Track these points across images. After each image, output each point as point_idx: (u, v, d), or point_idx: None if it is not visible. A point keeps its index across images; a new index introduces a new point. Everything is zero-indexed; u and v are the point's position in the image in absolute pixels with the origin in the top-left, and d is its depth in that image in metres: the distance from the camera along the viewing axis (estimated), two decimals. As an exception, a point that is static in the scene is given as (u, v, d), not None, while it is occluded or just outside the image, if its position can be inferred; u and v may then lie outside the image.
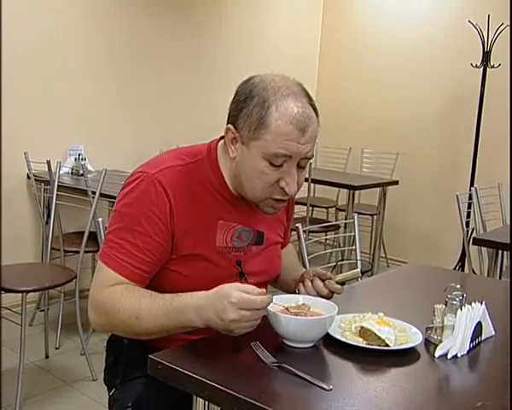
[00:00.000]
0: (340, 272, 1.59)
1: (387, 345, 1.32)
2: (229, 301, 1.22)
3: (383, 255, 5.38)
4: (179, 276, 1.43)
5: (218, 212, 1.46)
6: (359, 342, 1.33)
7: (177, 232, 1.41)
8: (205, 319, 1.26)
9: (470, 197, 3.91)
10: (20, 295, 2.74)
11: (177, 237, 1.41)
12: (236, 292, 1.23)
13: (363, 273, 1.59)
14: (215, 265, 1.45)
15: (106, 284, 1.37)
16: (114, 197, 3.51)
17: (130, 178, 1.45)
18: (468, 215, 3.98)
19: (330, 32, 6.03)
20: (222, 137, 1.49)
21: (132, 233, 1.38)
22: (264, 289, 1.30)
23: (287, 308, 1.36)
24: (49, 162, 3.40)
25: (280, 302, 1.38)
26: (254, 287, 1.28)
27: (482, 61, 4.71)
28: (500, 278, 3.26)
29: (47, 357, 3.29)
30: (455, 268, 4.77)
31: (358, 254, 2.40)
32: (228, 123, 1.43)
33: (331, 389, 1.13)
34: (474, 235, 3.55)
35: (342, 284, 1.53)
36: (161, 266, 1.43)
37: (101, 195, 3.25)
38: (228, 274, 1.47)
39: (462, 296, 1.41)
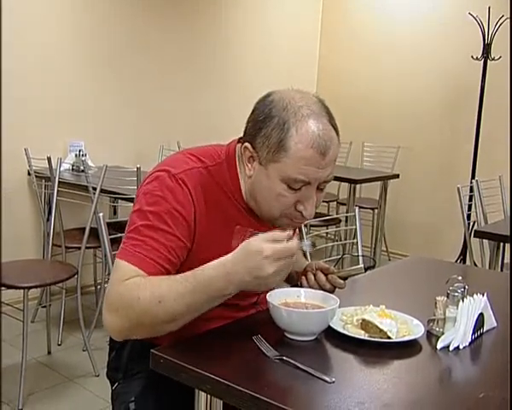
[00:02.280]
0: (342, 267, 1.59)
1: (389, 337, 1.32)
2: (264, 256, 1.18)
3: (384, 249, 5.38)
4: None
5: (235, 217, 1.44)
6: (361, 334, 1.33)
7: (197, 236, 1.38)
8: (236, 282, 1.21)
9: (471, 190, 3.91)
10: (22, 291, 2.75)
11: (197, 241, 1.38)
12: (266, 244, 1.19)
13: (366, 270, 1.58)
14: None
15: (122, 278, 1.28)
16: (115, 193, 3.55)
17: (151, 177, 1.39)
18: (470, 208, 3.98)
19: (330, 27, 6.02)
20: (240, 139, 1.45)
21: (157, 231, 1.32)
22: (290, 232, 1.25)
23: (287, 302, 1.36)
24: (49, 159, 3.40)
25: (282, 295, 1.38)
26: (278, 233, 1.24)
27: (483, 54, 4.70)
28: (502, 270, 3.26)
29: (49, 353, 3.30)
30: (456, 261, 4.77)
31: (360, 249, 2.39)
32: (244, 140, 1.39)
33: (333, 382, 1.13)
34: (475, 228, 3.55)
35: (345, 279, 1.53)
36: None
37: (102, 190, 3.25)
38: None
39: (464, 288, 1.41)
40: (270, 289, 1.25)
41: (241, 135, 1.43)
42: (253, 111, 1.38)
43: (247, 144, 1.37)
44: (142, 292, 1.23)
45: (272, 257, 1.18)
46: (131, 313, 1.24)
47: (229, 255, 1.23)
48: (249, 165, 1.39)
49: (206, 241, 1.39)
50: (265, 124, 1.33)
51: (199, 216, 1.37)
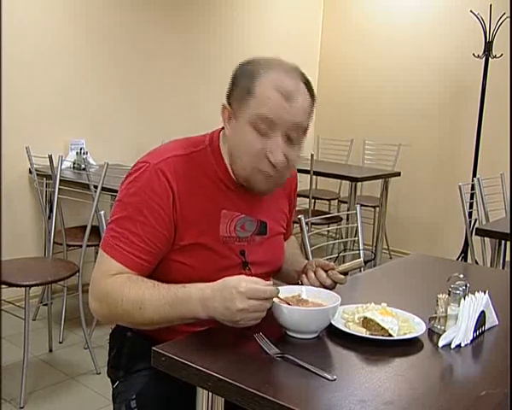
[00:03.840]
0: (343, 263, 1.59)
1: (391, 335, 1.32)
2: (238, 291, 1.22)
3: (385, 247, 5.37)
4: (182, 266, 1.43)
5: (221, 201, 1.47)
6: (362, 332, 1.33)
7: (180, 222, 1.41)
8: (210, 309, 1.26)
9: (473, 188, 3.90)
10: (24, 289, 2.74)
11: (180, 227, 1.41)
12: (245, 282, 1.23)
13: (365, 263, 1.58)
14: (219, 255, 1.45)
15: (108, 273, 1.37)
16: (116, 191, 3.53)
17: (133, 168, 1.45)
18: (471, 206, 3.97)
19: (331, 25, 6.01)
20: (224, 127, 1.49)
21: (135, 223, 1.38)
22: (270, 281, 1.30)
23: (287, 300, 1.36)
24: (50, 157, 3.40)
25: (283, 293, 1.38)
26: (261, 279, 1.29)
27: (484, 52, 4.69)
28: (503, 268, 3.25)
29: (51, 351, 3.30)
30: (457, 259, 4.77)
31: (361, 244, 2.39)
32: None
33: (335, 380, 1.13)
34: (476, 225, 3.55)
35: (345, 274, 1.53)
36: (163, 257, 1.43)
37: (103, 188, 3.25)
38: (231, 264, 1.47)
39: (466, 286, 1.40)
40: (244, 329, 1.27)
41: None
42: (232, 75, 1.46)
43: (224, 103, 1.45)
44: (125, 295, 1.32)
45: (245, 294, 1.22)
46: (114, 310, 1.35)
47: (212, 283, 1.28)
48: (228, 125, 1.44)
49: (194, 225, 1.42)
50: (238, 79, 1.42)
51: (179, 202, 1.41)
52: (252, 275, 1.48)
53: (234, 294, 1.22)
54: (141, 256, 1.38)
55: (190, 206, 1.42)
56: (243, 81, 1.40)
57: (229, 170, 1.47)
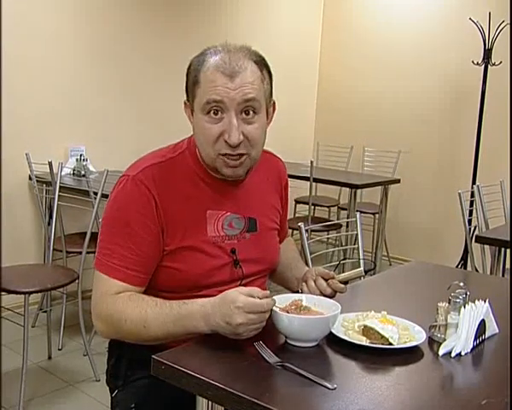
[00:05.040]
0: (343, 272, 1.59)
1: (391, 344, 1.31)
2: (236, 306, 1.23)
3: (385, 254, 5.37)
4: (172, 271, 1.44)
5: (206, 202, 1.47)
6: (362, 340, 1.33)
7: (166, 227, 1.42)
8: (212, 324, 1.27)
9: (472, 195, 3.90)
10: (23, 296, 2.74)
11: (167, 232, 1.42)
12: (242, 296, 1.25)
13: (366, 272, 1.58)
14: (209, 255, 1.46)
15: (107, 293, 1.38)
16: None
17: (117, 183, 1.47)
18: (471, 213, 3.97)
19: (331, 31, 6.03)
20: None
21: (123, 237, 1.39)
22: (268, 292, 1.30)
23: (287, 308, 1.36)
24: (50, 163, 3.40)
25: (283, 301, 1.38)
26: (258, 289, 1.29)
27: (483, 59, 4.70)
28: (503, 275, 3.25)
29: (50, 358, 3.29)
30: (457, 266, 4.77)
31: (361, 253, 2.39)
32: None
33: (335, 388, 1.13)
34: (476, 233, 3.54)
35: (345, 283, 1.53)
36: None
37: (103, 195, 3.24)
38: (222, 263, 1.47)
39: (466, 294, 1.40)
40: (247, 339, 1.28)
41: None
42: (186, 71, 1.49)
43: (184, 100, 1.47)
44: (129, 316, 1.34)
45: (243, 309, 1.24)
46: (119, 330, 1.38)
47: (212, 299, 1.30)
48: (191, 121, 1.47)
49: (180, 229, 1.43)
50: (189, 73, 1.45)
51: (162, 208, 1.42)
52: (243, 274, 1.49)
53: (232, 309, 1.24)
54: (135, 268, 1.39)
55: (174, 210, 1.43)
56: (192, 74, 1.43)
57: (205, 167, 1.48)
